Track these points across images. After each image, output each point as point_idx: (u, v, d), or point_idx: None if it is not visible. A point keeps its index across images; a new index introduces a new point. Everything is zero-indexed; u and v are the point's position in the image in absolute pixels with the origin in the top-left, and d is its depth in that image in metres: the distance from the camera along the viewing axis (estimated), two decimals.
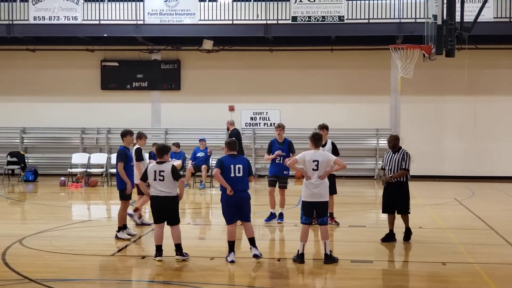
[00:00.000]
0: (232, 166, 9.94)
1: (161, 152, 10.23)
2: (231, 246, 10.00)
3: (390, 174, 11.53)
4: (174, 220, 10.08)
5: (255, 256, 9.94)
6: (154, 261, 9.93)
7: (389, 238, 11.66)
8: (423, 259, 10.38)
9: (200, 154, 20.58)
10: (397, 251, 11.35)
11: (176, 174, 10.07)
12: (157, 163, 10.13)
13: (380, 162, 23.13)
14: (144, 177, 10.19)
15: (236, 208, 9.98)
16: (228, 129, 20.03)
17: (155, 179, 9.99)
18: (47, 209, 16.26)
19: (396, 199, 11.57)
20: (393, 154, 11.63)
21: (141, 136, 13.07)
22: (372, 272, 9.59)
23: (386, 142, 12.02)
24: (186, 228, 13.09)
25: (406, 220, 11.71)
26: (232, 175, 9.92)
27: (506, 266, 10.10)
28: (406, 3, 21.61)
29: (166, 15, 22.10)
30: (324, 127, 13.05)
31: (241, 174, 9.94)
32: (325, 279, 9.39)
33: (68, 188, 20.28)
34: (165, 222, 10.11)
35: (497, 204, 17.57)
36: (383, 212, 11.87)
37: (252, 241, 10.05)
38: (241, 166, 9.96)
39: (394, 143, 11.70)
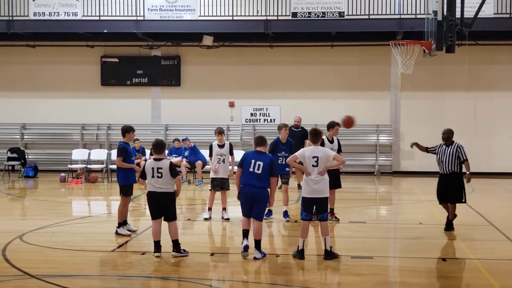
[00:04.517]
0: (252, 161, 9.97)
1: (158, 148, 10.22)
2: (245, 233, 10.03)
3: (444, 166, 12.11)
4: (171, 216, 10.09)
5: (255, 258, 9.88)
6: (153, 257, 9.93)
7: (449, 226, 12.16)
8: (424, 255, 10.38)
9: (185, 154, 20.52)
10: (397, 247, 11.35)
11: (173, 171, 10.07)
12: (155, 159, 10.13)
13: (381, 158, 23.37)
14: (143, 175, 10.19)
15: (249, 202, 9.95)
16: (297, 127, 18.68)
17: (153, 176, 10.00)
18: (47, 205, 16.27)
19: (449, 189, 12.11)
20: (447, 147, 12.21)
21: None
22: (372, 268, 9.58)
23: (441, 134, 12.49)
24: (186, 224, 13.12)
25: (453, 211, 12.19)
26: (251, 169, 9.94)
27: (507, 262, 10.10)
28: None
29: (166, 11, 22.11)
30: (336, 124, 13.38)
31: (259, 171, 9.91)
32: (325, 275, 9.40)
33: (68, 184, 20.28)
34: (162, 218, 10.12)
35: (497, 200, 17.58)
36: (439, 203, 12.33)
37: (256, 244, 9.96)
38: (261, 163, 9.94)
39: (449, 135, 12.28)
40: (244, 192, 10.01)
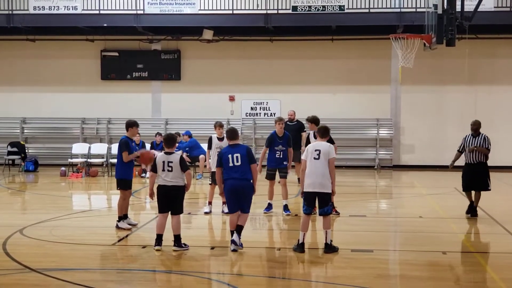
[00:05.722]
0: (230, 156, 9.97)
1: (169, 142, 10.22)
2: (232, 233, 10.03)
3: (471, 156, 12.86)
4: (177, 210, 10.12)
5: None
6: (154, 251, 9.94)
7: (471, 209, 12.93)
8: (424, 248, 10.39)
9: (186, 148, 20.52)
10: (397, 240, 11.36)
11: (184, 165, 10.09)
12: (165, 153, 10.14)
13: (381, 152, 23.36)
14: (154, 168, 10.18)
15: (235, 196, 9.99)
16: (292, 120, 18.19)
17: (163, 170, 10.01)
18: (48, 199, 16.28)
19: (475, 178, 12.86)
20: (474, 138, 12.95)
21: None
22: (372, 261, 9.59)
23: (470, 125, 13.12)
24: (187, 218, 13.12)
25: (478, 199, 12.98)
26: (231, 164, 9.95)
27: (506, 255, 10.11)
28: None
29: (166, 5, 22.10)
30: (309, 120, 13.09)
31: (239, 163, 9.94)
32: (326, 268, 9.41)
33: (68, 178, 20.28)
34: (169, 213, 10.13)
35: (497, 194, 17.55)
36: (463, 190, 13.10)
37: (238, 228, 9.98)
38: (239, 155, 9.96)
39: (477, 127, 13.00)
40: (228, 185, 10.01)
